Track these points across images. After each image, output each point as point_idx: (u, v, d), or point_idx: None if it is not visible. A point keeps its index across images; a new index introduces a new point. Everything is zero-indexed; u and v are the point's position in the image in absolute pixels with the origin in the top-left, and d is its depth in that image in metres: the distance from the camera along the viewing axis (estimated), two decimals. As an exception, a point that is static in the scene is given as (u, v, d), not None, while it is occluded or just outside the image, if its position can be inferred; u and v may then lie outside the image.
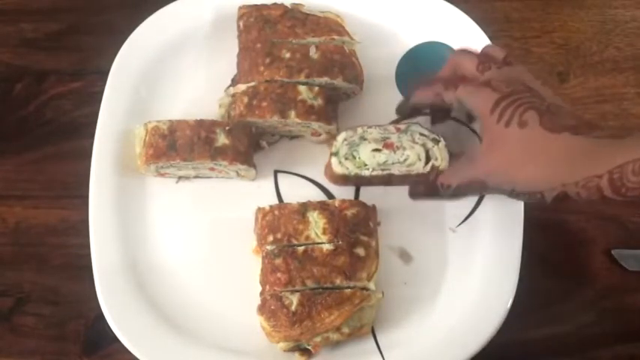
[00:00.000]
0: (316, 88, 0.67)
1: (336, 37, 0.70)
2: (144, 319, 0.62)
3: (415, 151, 0.65)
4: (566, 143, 0.51)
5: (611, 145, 0.50)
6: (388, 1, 0.75)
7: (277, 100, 0.66)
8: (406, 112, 0.67)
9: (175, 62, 0.73)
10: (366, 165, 0.64)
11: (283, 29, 0.70)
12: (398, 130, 0.65)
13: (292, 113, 0.66)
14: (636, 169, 0.47)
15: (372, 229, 0.63)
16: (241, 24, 0.72)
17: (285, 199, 0.68)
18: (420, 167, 0.64)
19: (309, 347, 0.61)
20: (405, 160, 0.64)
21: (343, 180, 0.67)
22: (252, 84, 0.67)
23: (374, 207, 0.65)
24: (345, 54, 0.69)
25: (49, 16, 0.80)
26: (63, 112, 0.75)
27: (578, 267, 0.68)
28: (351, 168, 0.64)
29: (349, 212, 0.63)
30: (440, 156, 0.64)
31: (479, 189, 0.58)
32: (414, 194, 0.64)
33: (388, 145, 0.65)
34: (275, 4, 0.72)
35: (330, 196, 0.68)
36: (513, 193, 0.55)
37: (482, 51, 0.60)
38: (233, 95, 0.68)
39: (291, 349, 0.61)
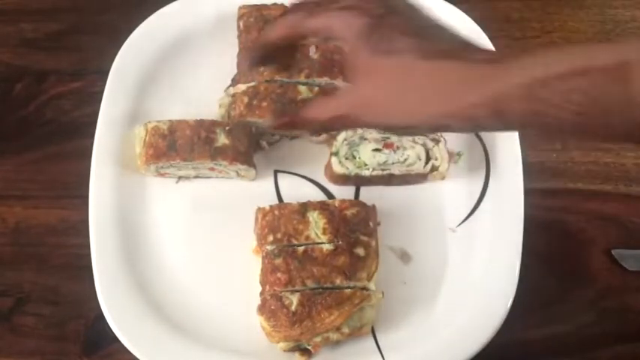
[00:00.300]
0: (316, 88, 0.67)
1: None
2: (144, 319, 0.62)
3: (415, 150, 0.65)
4: (441, 72, 0.46)
5: (488, 71, 0.45)
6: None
7: (277, 100, 0.66)
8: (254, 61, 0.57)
9: (175, 62, 0.73)
10: (366, 165, 0.64)
11: None
12: None
13: None
14: (520, 94, 0.43)
15: (372, 229, 0.63)
16: (241, 24, 0.72)
17: (285, 199, 0.68)
18: (420, 167, 0.64)
19: (309, 347, 0.61)
20: (405, 159, 0.64)
21: (343, 180, 0.67)
22: (252, 84, 0.67)
23: (374, 207, 0.65)
24: (345, 54, 0.69)
25: (49, 16, 0.80)
26: (63, 112, 0.75)
27: (578, 267, 0.68)
28: (351, 168, 0.64)
29: (349, 212, 0.63)
30: (440, 155, 0.64)
31: (350, 125, 0.53)
32: (277, 124, 0.57)
33: (388, 145, 0.65)
34: (275, 4, 0.72)
35: (330, 196, 0.68)
36: (386, 128, 0.50)
37: None
38: (233, 95, 0.68)
39: (291, 349, 0.61)
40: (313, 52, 0.69)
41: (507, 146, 0.69)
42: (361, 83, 0.49)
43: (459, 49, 0.47)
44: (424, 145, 0.65)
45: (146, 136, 0.66)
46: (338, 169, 0.64)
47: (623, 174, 0.73)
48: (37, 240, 0.69)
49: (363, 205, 0.64)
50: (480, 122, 0.46)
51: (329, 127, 0.55)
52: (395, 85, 0.47)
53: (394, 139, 0.65)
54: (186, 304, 0.64)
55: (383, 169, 0.64)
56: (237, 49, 0.71)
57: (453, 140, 0.69)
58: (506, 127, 0.46)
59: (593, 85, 0.42)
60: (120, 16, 0.78)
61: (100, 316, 0.62)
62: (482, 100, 0.44)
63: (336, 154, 0.65)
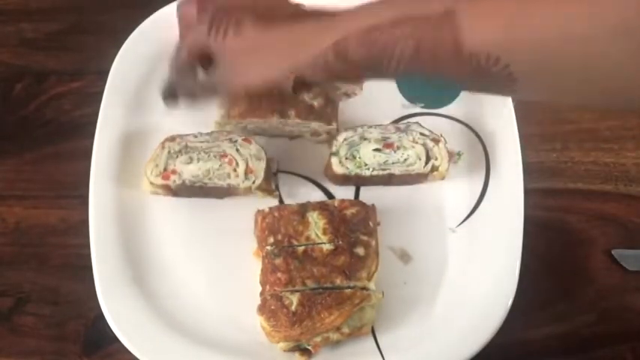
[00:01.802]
0: (316, 89, 0.67)
1: None
2: (144, 319, 0.62)
3: (415, 150, 0.65)
4: (285, 34, 0.52)
5: (329, 24, 0.50)
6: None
7: (277, 101, 0.66)
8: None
9: (175, 62, 0.73)
10: (366, 165, 0.64)
11: None
12: (398, 129, 0.65)
13: (292, 113, 0.66)
14: (358, 38, 0.47)
15: (371, 229, 0.63)
16: None
17: (285, 200, 0.68)
18: (420, 167, 0.64)
19: (309, 347, 0.61)
20: (406, 160, 0.64)
21: (343, 180, 0.67)
22: None
23: (373, 207, 0.65)
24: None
25: (49, 16, 0.80)
26: (63, 112, 0.75)
27: (578, 267, 0.68)
28: (351, 168, 0.64)
29: (349, 212, 0.63)
30: (440, 155, 0.64)
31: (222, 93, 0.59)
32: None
33: (388, 145, 0.65)
34: None
35: (330, 196, 0.68)
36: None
37: None
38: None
39: (291, 349, 0.61)
40: None
41: (507, 146, 0.69)
42: (223, 62, 0.55)
43: (294, 15, 0.53)
44: (424, 145, 0.65)
45: None
46: (338, 169, 0.64)
47: (623, 174, 0.73)
48: (37, 240, 0.69)
49: (363, 204, 0.64)
50: (329, 67, 0.49)
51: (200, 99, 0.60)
52: (248, 58, 0.53)
53: (394, 138, 0.65)
54: (186, 304, 0.64)
55: (383, 169, 0.64)
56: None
57: (453, 140, 0.69)
58: (352, 69, 0.49)
59: (423, 31, 0.45)
60: (120, 16, 0.78)
61: (100, 316, 0.62)
62: (326, 46, 0.48)
63: (336, 154, 0.65)
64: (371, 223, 0.63)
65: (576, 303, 0.67)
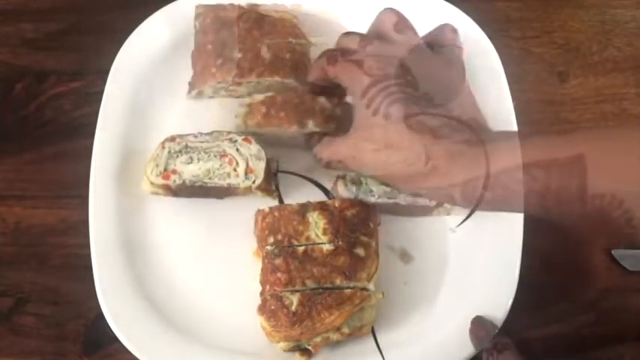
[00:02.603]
0: (335, 99, 0.66)
1: (292, 39, 0.70)
2: (144, 319, 0.62)
3: None
4: (425, 145, 0.51)
5: (469, 155, 0.49)
6: (389, 1, 0.75)
7: (295, 110, 0.66)
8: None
9: (175, 62, 0.73)
10: (372, 191, 0.64)
11: (240, 32, 0.70)
12: None
13: (310, 123, 0.65)
14: (487, 183, 0.48)
15: (372, 230, 0.63)
16: (197, 24, 0.72)
17: (285, 200, 0.68)
18: (426, 200, 0.64)
19: (309, 347, 0.61)
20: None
21: None
22: (270, 94, 0.67)
23: (374, 207, 0.65)
24: (296, 53, 0.70)
25: (49, 16, 0.80)
26: (63, 112, 0.75)
27: (578, 267, 0.68)
28: (357, 193, 0.64)
29: (349, 212, 0.63)
30: None
31: (343, 168, 0.59)
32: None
33: None
34: (232, 4, 0.72)
35: (330, 196, 0.68)
36: (374, 177, 0.56)
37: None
38: (249, 105, 0.67)
39: (291, 349, 0.61)
40: (265, 52, 0.69)
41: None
42: (359, 134, 0.55)
43: (444, 128, 0.51)
44: None
45: None
46: (344, 192, 0.64)
47: (623, 174, 0.72)
48: (37, 240, 0.69)
49: (364, 205, 0.64)
50: (452, 200, 0.50)
51: (331, 167, 0.61)
52: (385, 145, 0.53)
53: None
54: (187, 304, 0.64)
55: (389, 198, 0.64)
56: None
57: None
58: (476, 204, 0.50)
59: (552, 175, 0.46)
60: (120, 16, 0.78)
61: (100, 316, 0.62)
62: (454, 181, 0.49)
63: (343, 177, 0.65)
64: (371, 224, 0.63)
65: (576, 303, 0.67)
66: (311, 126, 0.65)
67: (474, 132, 0.51)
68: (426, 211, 0.65)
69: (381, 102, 0.52)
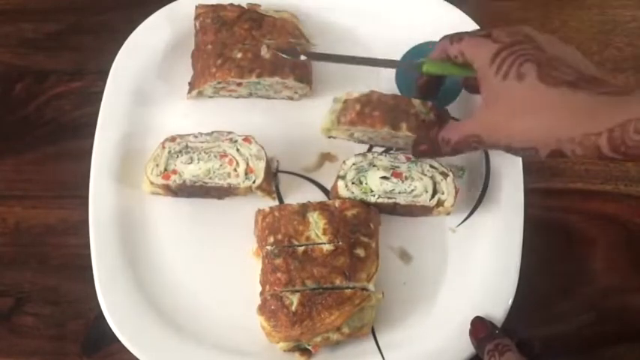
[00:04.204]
0: (429, 103, 0.66)
1: (292, 39, 0.70)
2: (144, 319, 0.62)
3: (423, 182, 0.65)
4: (564, 98, 0.49)
5: (612, 103, 0.48)
6: (388, 1, 0.75)
7: (389, 111, 0.65)
8: (423, 89, 0.66)
9: (175, 62, 0.73)
10: (372, 191, 0.65)
11: (240, 31, 0.70)
12: (408, 159, 0.65)
13: (404, 125, 0.65)
14: (639, 127, 0.45)
15: (372, 230, 0.63)
16: (197, 24, 0.72)
17: (286, 200, 0.68)
18: (426, 200, 0.64)
19: (309, 347, 0.61)
20: (412, 190, 0.64)
21: None
22: (366, 92, 0.66)
23: (374, 207, 0.65)
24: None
25: (49, 16, 0.80)
26: (63, 112, 0.75)
27: (578, 267, 0.69)
28: (356, 192, 0.64)
29: (349, 213, 0.63)
30: (447, 190, 0.64)
31: (476, 144, 0.56)
32: (416, 152, 0.63)
33: (397, 175, 0.65)
34: (232, 4, 0.72)
35: (330, 196, 0.68)
36: (509, 149, 0.54)
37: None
38: (345, 102, 0.66)
39: (291, 349, 0.61)
40: (265, 52, 0.69)
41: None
42: (490, 105, 0.54)
43: (584, 80, 0.50)
44: (432, 178, 0.65)
45: None
46: (343, 192, 0.64)
47: (623, 174, 0.73)
48: (37, 240, 0.69)
49: (364, 206, 0.64)
50: (600, 151, 0.48)
51: (459, 149, 0.59)
52: (520, 109, 0.51)
53: (404, 168, 0.65)
54: (186, 304, 0.64)
55: (389, 198, 0.64)
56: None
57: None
58: (627, 157, 0.48)
59: None
60: (120, 16, 0.78)
61: (100, 316, 0.62)
62: (602, 129, 0.47)
63: (343, 177, 0.65)
64: (372, 225, 0.63)
65: (576, 303, 0.67)
66: (404, 129, 0.64)
67: (610, 84, 0.50)
68: (426, 211, 0.65)
69: (511, 64, 0.51)
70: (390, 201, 0.64)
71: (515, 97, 0.51)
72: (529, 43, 0.52)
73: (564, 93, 0.49)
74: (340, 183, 0.65)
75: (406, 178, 0.65)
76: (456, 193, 0.64)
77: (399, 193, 0.64)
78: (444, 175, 0.65)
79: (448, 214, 0.66)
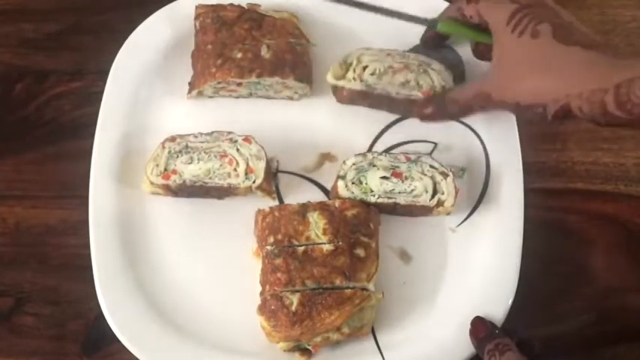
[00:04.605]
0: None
1: (292, 39, 0.70)
2: (144, 319, 0.62)
3: (423, 182, 0.65)
4: (576, 56, 0.51)
5: (620, 64, 0.49)
6: (389, 1, 0.75)
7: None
8: (429, 41, 0.69)
9: (175, 62, 0.73)
10: (372, 191, 0.65)
11: (240, 31, 0.70)
12: (408, 160, 0.65)
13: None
14: None
15: (372, 230, 0.63)
16: (197, 24, 0.72)
17: (286, 200, 0.68)
18: (426, 200, 0.64)
19: (309, 347, 0.61)
20: (412, 190, 0.64)
21: None
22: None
23: (374, 207, 0.65)
24: (296, 53, 0.70)
25: (49, 16, 0.80)
26: (63, 112, 0.75)
27: (578, 267, 0.68)
28: (356, 192, 0.64)
29: (349, 213, 0.63)
30: (447, 190, 0.64)
31: (484, 103, 0.58)
32: (421, 114, 0.64)
33: (397, 175, 0.65)
34: (232, 4, 0.72)
35: (330, 196, 0.68)
36: (517, 108, 0.55)
37: None
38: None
39: (291, 349, 0.61)
40: (265, 52, 0.69)
41: (507, 146, 0.69)
42: (503, 63, 0.56)
43: (595, 44, 0.52)
44: (432, 178, 0.65)
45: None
46: (343, 192, 0.64)
47: (623, 174, 0.73)
48: (37, 240, 0.69)
49: (364, 206, 0.64)
50: (605, 108, 0.49)
51: (467, 110, 0.60)
52: (532, 63, 0.53)
53: (404, 168, 0.65)
54: (186, 304, 0.64)
55: (389, 198, 0.64)
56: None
57: (453, 140, 0.69)
58: (631, 115, 0.49)
59: None
60: (120, 16, 0.78)
61: (100, 316, 0.62)
62: (609, 86, 0.48)
63: (343, 177, 0.65)
64: (372, 225, 0.63)
65: (576, 303, 0.67)
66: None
67: (619, 53, 0.52)
68: (426, 211, 0.65)
69: (528, 22, 0.53)
70: (390, 201, 0.64)
71: (528, 53, 0.53)
72: (546, 8, 0.55)
73: (577, 51, 0.51)
74: (340, 183, 0.65)
75: (406, 178, 0.65)
76: (456, 193, 0.64)
77: (399, 193, 0.64)
78: (444, 175, 0.65)
79: (448, 214, 0.66)
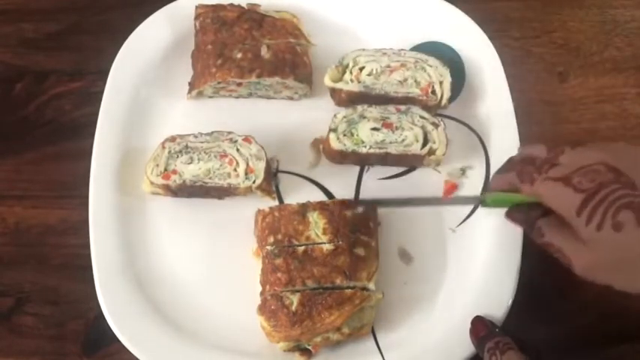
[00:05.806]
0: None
1: (292, 39, 0.70)
2: (144, 319, 0.62)
3: (414, 132, 0.65)
4: None
5: None
6: (389, 1, 0.75)
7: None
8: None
9: (175, 62, 0.73)
10: (363, 142, 0.65)
11: (240, 31, 0.70)
12: (398, 110, 0.66)
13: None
14: None
15: (372, 230, 0.63)
16: (197, 24, 0.72)
17: (285, 200, 0.68)
18: (417, 148, 0.65)
19: (309, 347, 0.61)
20: (403, 140, 0.65)
21: (340, 157, 0.67)
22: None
23: (374, 207, 0.65)
24: (296, 53, 0.70)
25: (49, 16, 0.80)
26: (63, 112, 0.75)
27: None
28: (348, 144, 0.65)
29: (349, 212, 0.63)
30: (438, 139, 0.65)
31: (567, 265, 0.52)
32: (509, 215, 0.56)
33: (387, 125, 0.65)
34: (232, 4, 0.72)
35: (330, 196, 0.68)
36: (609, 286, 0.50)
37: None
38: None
39: (291, 349, 0.61)
40: (265, 52, 0.69)
41: (507, 146, 0.69)
42: (587, 252, 0.48)
43: None
44: (423, 127, 0.65)
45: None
46: (335, 145, 0.65)
47: (623, 174, 0.72)
48: (37, 240, 0.69)
49: (364, 205, 0.64)
50: None
51: (547, 251, 0.53)
52: (622, 259, 0.47)
53: (394, 119, 0.66)
54: (186, 304, 0.64)
55: (380, 148, 0.65)
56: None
57: (452, 140, 0.69)
58: None
59: None
60: (120, 16, 0.78)
61: (100, 316, 0.62)
62: None
63: (334, 130, 0.65)
64: (371, 224, 0.63)
65: (576, 303, 0.67)
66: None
67: None
68: (417, 160, 0.66)
69: (604, 214, 0.46)
70: (382, 151, 0.64)
71: (615, 248, 0.47)
72: (616, 183, 0.47)
73: None
74: (332, 136, 0.65)
75: (397, 128, 0.65)
76: (448, 142, 0.64)
77: (390, 143, 0.65)
78: (435, 125, 0.65)
79: (439, 164, 0.66)
